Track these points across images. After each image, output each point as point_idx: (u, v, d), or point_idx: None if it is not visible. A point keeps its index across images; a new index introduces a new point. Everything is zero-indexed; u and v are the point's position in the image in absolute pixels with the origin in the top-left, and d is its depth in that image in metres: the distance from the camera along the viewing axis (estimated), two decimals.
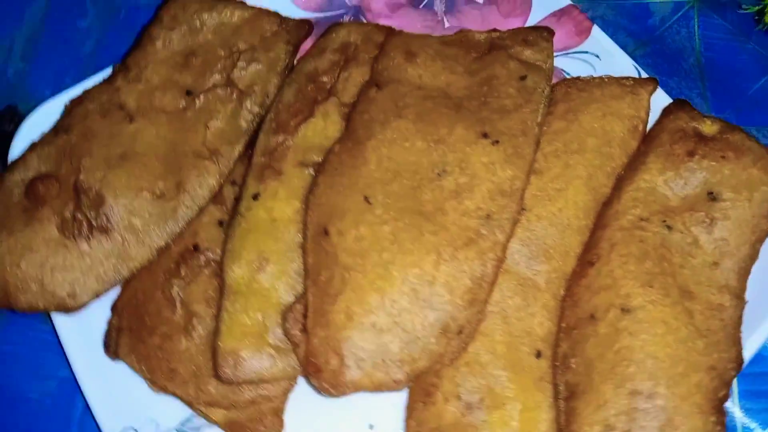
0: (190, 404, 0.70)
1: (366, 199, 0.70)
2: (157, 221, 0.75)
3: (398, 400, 0.70)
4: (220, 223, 0.77)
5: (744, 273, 0.68)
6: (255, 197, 0.74)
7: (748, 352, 0.66)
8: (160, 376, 0.70)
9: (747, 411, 0.71)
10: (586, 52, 0.86)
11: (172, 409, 0.72)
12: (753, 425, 0.71)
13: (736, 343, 0.65)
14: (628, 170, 0.74)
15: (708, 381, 0.62)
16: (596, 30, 0.85)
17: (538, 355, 0.68)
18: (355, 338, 0.65)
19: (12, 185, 0.75)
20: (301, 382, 0.72)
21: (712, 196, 0.70)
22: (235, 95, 0.81)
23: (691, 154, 0.72)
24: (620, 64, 0.83)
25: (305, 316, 0.67)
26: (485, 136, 0.72)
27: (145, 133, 0.78)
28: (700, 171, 0.71)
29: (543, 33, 0.83)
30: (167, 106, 0.80)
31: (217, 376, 0.67)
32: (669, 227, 0.69)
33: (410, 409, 0.69)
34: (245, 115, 0.81)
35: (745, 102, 0.86)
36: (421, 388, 0.68)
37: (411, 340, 0.65)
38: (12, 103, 0.92)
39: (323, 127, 0.79)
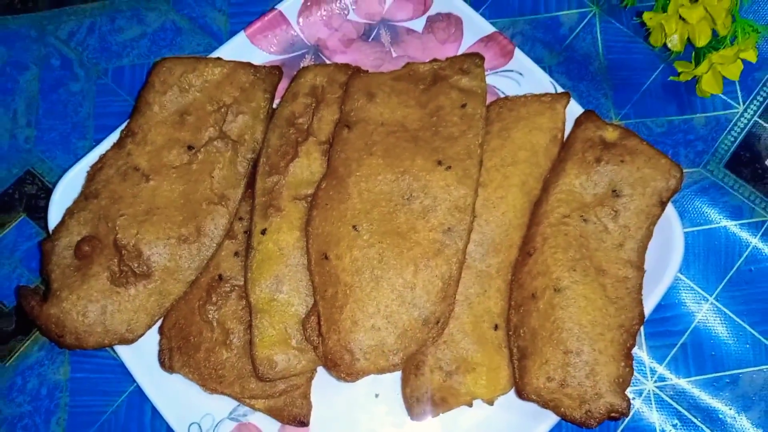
0: (237, 399, 0.91)
1: (354, 227, 0.89)
2: (186, 261, 0.93)
3: (396, 374, 0.93)
4: (236, 254, 0.95)
5: (642, 249, 0.90)
6: (263, 232, 0.93)
7: (648, 309, 0.89)
8: (210, 382, 0.91)
9: (650, 348, 0.96)
10: (512, 71, 1.04)
11: (222, 404, 0.92)
12: (654, 364, 0.96)
13: (639, 304, 0.88)
14: (552, 175, 0.95)
15: (618, 336, 0.86)
16: (518, 52, 1.03)
17: (496, 328, 0.90)
18: (360, 338, 0.85)
19: (62, 249, 0.91)
20: (320, 370, 0.93)
21: (615, 193, 0.91)
22: (230, 145, 0.97)
23: (598, 160, 0.93)
24: (539, 79, 1.02)
25: (319, 324, 0.88)
26: (440, 163, 0.91)
27: (161, 189, 0.94)
28: (605, 174, 0.92)
29: (475, 60, 1.00)
30: (174, 161, 0.96)
31: (258, 377, 0.88)
32: (585, 220, 0.91)
33: (404, 380, 0.91)
34: (241, 162, 0.97)
35: (641, 97, 1.07)
36: (411, 364, 0.90)
37: (402, 333, 0.86)
38: (29, 167, 1.06)
39: (308, 164, 0.96)
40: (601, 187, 0.92)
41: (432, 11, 1.08)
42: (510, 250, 0.93)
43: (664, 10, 0.94)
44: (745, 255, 0.97)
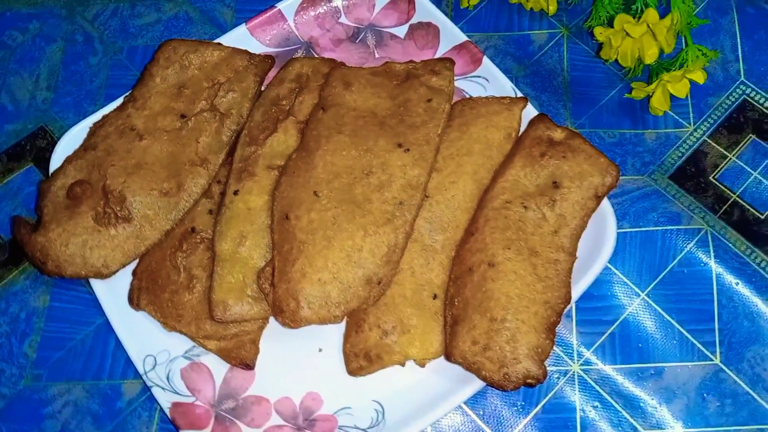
0: (192, 338, 1.00)
1: (315, 193, 0.99)
2: (164, 212, 1.03)
3: (338, 330, 1.00)
4: (210, 212, 1.05)
5: (575, 237, 0.98)
6: (235, 193, 1.03)
7: (577, 292, 0.96)
8: (170, 320, 0.99)
9: (580, 334, 1.02)
10: (480, 77, 1.14)
11: (178, 342, 1.00)
12: (581, 348, 1.02)
13: (566, 286, 0.95)
14: (502, 167, 1.04)
15: (543, 311, 0.92)
16: (486, 60, 1.13)
17: (435, 297, 0.98)
18: (307, 289, 0.94)
19: (57, 189, 1.03)
20: (272, 321, 1.02)
21: (555, 185, 0.99)
22: (217, 117, 1.09)
23: (543, 155, 1.01)
24: (503, 85, 1.11)
25: (273, 275, 0.97)
26: (400, 146, 1.01)
27: (152, 148, 1.06)
28: (548, 167, 1.00)
29: (446, 63, 1.11)
30: (167, 126, 1.07)
31: (212, 318, 0.97)
32: (525, 207, 0.99)
33: (346, 336, 0.99)
34: (226, 132, 1.09)
35: (597, 110, 1.16)
36: (353, 321, 0.98)
37: (345, 288, 0.94)
38: (42, 124, 1.19)
39: (284, 140, 1.07)
40: (543, 178, 1.01)
41: (414, 20, 1.20)
42: (456, 230, 1.01)
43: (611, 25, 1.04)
44: (679, 258, 1.04)
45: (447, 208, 1.01)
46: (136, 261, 1.04)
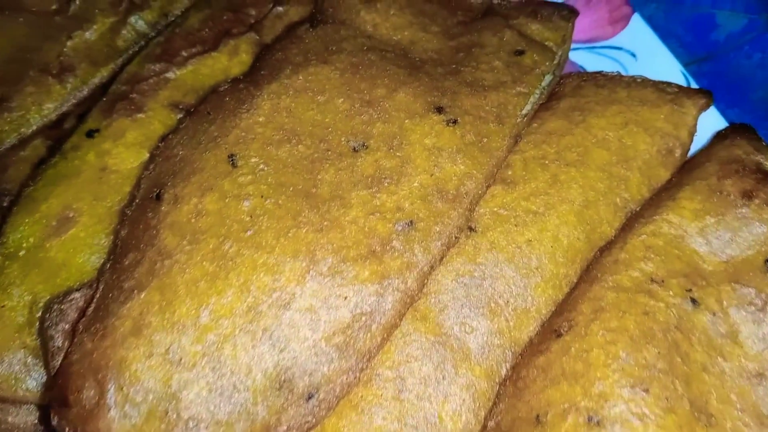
0: None
1: (231, 158, 0.45)
2: None
3: None
4: (40, 165, 0.53)
5: None
6: (90, 134, 0.51)
7: None
8: None
9: None
10: (620, 48, 0.61)
11: None
12: None
13: None
14: (649, 206, 0.48)
15: None
16: (636, 20, 0.63)
17: None
18: (134, 364, 0.39)
19: None
20: None
21: None
22: (123, 6, 0.59)
23: (748, 195, 0.46)
24: (663, 68, 0.59)
25: (84, 312, 0.42)
26: (439, 110, 0.48)
27: None
28: (759, 224, 0.44)
29: (563, 11, 0.59)
30: (36, 5, 0.59)
31: None
32: (694, 301, 0.42)
33: None
34: (127, 34, 0.60)
35: None
36: None
37: (226, 388, 0.39)
38: None
39: (224, 66, 0.57)
40: (742, 247, 0.44)
41: None
42: (521, 320, 0.47)
43: None
44: None
45: (510, 265, 0.47)
46: None
